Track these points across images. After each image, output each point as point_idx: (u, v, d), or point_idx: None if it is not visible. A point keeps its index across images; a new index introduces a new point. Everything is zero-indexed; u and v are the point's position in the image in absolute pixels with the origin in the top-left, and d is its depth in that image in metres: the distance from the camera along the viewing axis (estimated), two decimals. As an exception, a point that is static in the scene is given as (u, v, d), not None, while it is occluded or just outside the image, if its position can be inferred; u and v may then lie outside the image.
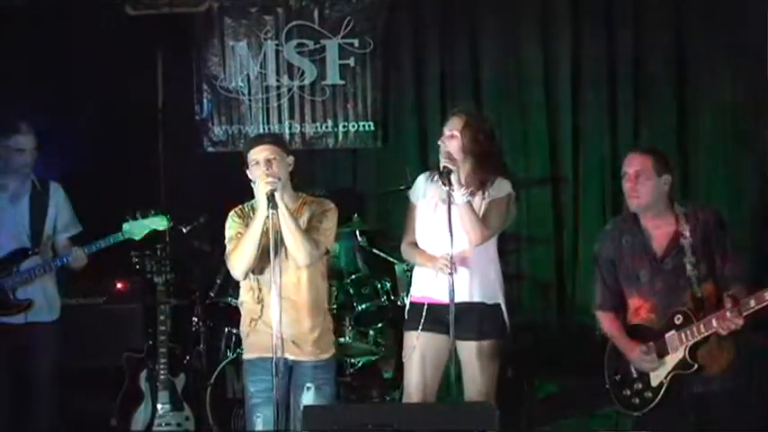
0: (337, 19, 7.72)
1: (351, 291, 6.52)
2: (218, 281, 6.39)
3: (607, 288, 4.73)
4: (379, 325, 6.50)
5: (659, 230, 4.58)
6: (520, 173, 7.22)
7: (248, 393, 4.64)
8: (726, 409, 4.47)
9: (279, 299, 4.26)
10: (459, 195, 4.67)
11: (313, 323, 4.58)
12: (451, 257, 4.57)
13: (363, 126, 7.75)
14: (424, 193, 4.96)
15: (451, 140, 4.80)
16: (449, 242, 4.54)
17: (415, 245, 4.98)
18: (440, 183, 4.77)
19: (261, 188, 4.38)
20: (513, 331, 5.01)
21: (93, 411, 6.24)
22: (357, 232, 6.88)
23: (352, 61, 7.72)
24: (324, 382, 4.58)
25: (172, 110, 7.74)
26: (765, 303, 4.19)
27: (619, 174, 7.18)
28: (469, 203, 4.71)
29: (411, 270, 5.26)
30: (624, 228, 4.68)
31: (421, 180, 5.02)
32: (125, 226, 5.43)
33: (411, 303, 5.02)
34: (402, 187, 6.10)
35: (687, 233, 4.49)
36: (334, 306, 6.41)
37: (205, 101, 7.85)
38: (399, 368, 5.07)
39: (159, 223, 5.50)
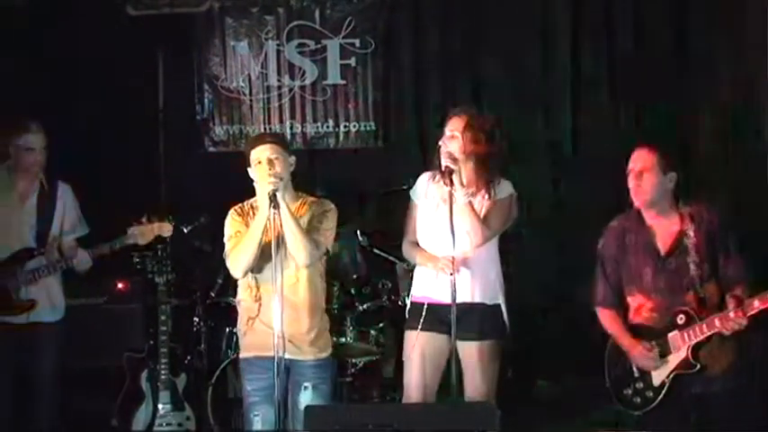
0: (338, 19, 7.73)
1: (352, 291, 6.52)
2: (219, 281, 6.39)
3: (608, 285, 4.72)
4: (381, 325, 6.49)
5: (663, 229, 4.58)
6: (521, 172, 7.22)
7: (245, 392, 4.65)
8: (727, 410, 4.47)
9: (281, 298, 4.27)
10: (461, 195, 4.67)
11: (311, 323, 4.59)
12: (453, 258, 4.56)
13: (364, 126, 7.76)
14: (426, 193, 4.94)
15: (452, 141, 4.79)
16: (450, 242, 4.53)
17: (416, 244, 4.98)
18: (441, 183, 4.76)
19: (263, 188, 4.40)
20: (514, 331, 5.01)
21: (94, 411, 6.24)
22: (358, 232, 6.87)
23: (353, 61, 7.73)
24: (321, 382, 4.59)
25: (173, 110, 7.77)
26: None
27: (619, 173, 7.26)
28: (471, 204, 4.71)
29: (412, 270, 5.25)
30: (628, 225, 4.67)
31: (423, 179, 5.00)
32: (130, 230, 5.44)
33: (411, 303, 5.01)
34: (404, 187, 6.09)
35: (691, 232, 4.48)
36: (335, 306, 6.41)
37: (206, 101, 7.86)
38: (400, 368, 5.06)
39: (165, 229, 5.51)
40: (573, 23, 7.48)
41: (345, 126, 7.77)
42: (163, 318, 5.84)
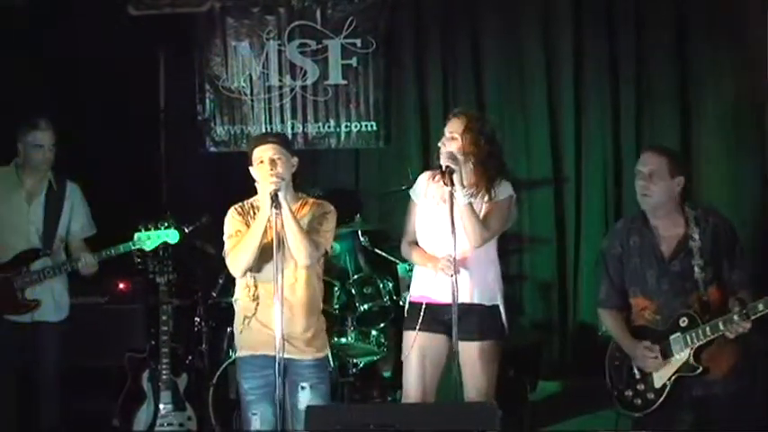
0: (339, 19, 7.72)
1: (353, 291, 6.52)
2: (221, 281, 6.39)
3: (612, 285, 4.72)
4: (382, 325, 6.51)
5: (668, 232, 4.58)
6: (522, 173, 7.23)
7: (242, 391, 4.65)
8: (728, 412, 4.47)
9: (281, 298, 4.27)
10: (462, 196, 4.66)
11: (307, 323, 4.60)
12: (454, 259, 4.56)
13: (366, 126, 7.75)
14: (426, 193, 4.94)
15: (452, 142, 4.79)
16: (451, 243, 4.53)
17: (415, 244, 4.97)
18: (441, 182, 4.76)
19: (264, 187, 4.40)
20: (515, 332, 5.01)
21: (96, 411, 6.23)
22: (359, 232, 6.88)
23: (354, 61, 7.73)
24: (319, 381, 4.60)
25: (174, 110, 7.77)
26: None
27: (621, 174, 7.27)
28: (471, 205, 4.70)
29: (413, 270, 5.26)
30: (633, 227, 4.66)
31: (422, 179, 5.00)
32: (137, 236, 5.44)
33: (410, 303, 5.01)
34: (404, 187, 6.09)
35: (696, 236, 4.48)
36: (336, 306, 6.42)
37: (207, 101, 7.86)
38: (399, 368, 5.06)
39: (172, 236, 5.51)
40: (575, 24, 7.46)
41: (347, 126, 7.76)
42: (164, 318, 5.83)
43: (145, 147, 7.53)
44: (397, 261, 6.59)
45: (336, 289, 6.46)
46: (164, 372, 5.84)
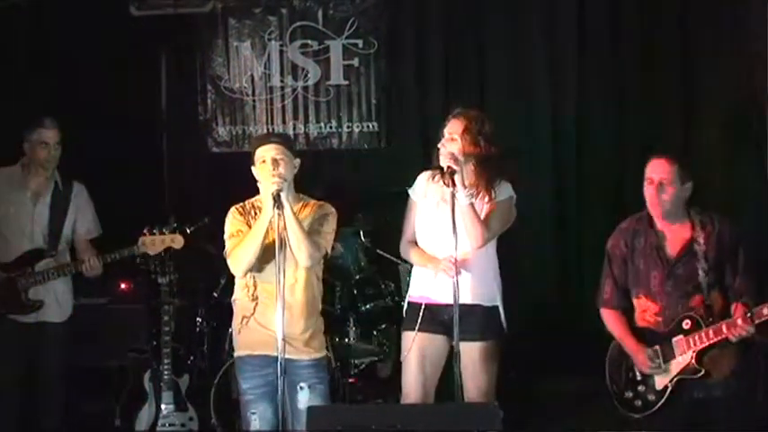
0: (341, 20, 7.74)
1: (355, 291, 6.52)
2: (222, 281, 6.38)
3: (616, 286, 4.72)
4: (383, 326, 6.49)
5: (674, 234, 4.58)
6: (523, 174, 7.21)
7: (241, 390, 4.65)
8: (728, 415, 4.47)
9: (282, 299, 4.25)
10: (463, 197, 4.65)
11: (305, 324, 4.59)
12: (455, 260, 4.54)
13: (367, 126, 7.76)
14: (425, 193, 4.93)
15: (451, 143, 4.76)
16: (453, 244, 4.51)
17: (415, 244, 4.96)
18: (441, 183, 4.76)
19: (267, 187, 4.40)
20: (515, 332, 5.00)
21: (97, 411, 6.25)
22: (361, 233, 6.87)
23: (356, 62, 7.74)
24: (317, 381, 4.59)
25: (176, 110, 7.76)
26: None
27: (624, 173, 7.25)
28: (472, 205, 4.69)
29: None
30: (639, 228, 4.67)
31: (422, 179, 4.98)
32: (142, 240, 5.44)
33: (409, 303, 4.99)
34: (407, 188, 6.08)
35: (701, 240, 4.49)
36: (338, 307, 6.41)
37: (209, 101, 7.87)
38: (399, 369, 5.05)
39: (177, 242, 5.51)
40: (578, 24, 7.46)
41: (348, 127, 7.77)
42: (166, 318, 5.83)
43: (146, 147, 7.52)
44: (400, 261, 6.58)
45: (338, 289, 6.45)
46: (165, 372, 5.84)
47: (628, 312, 4.73)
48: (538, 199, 7.35)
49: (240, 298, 4.65)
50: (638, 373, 4.61)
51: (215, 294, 6.50)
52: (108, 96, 7.29)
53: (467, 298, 4.70)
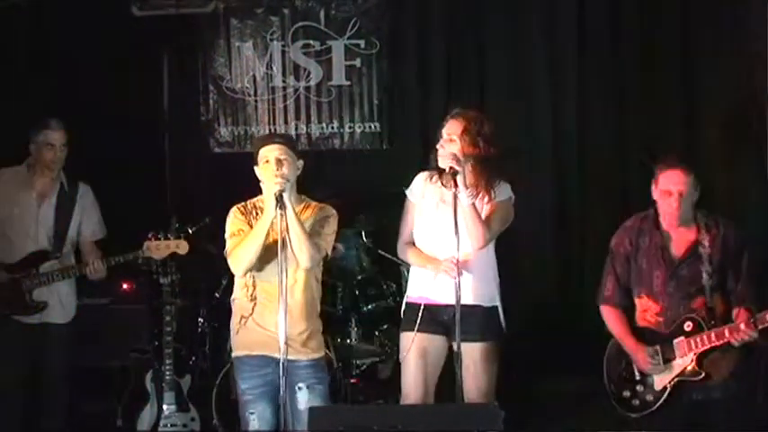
0: (343, 20, 7.74)
1: (356, 292, 6.53)
2: (224, 281, 6.39)
3: (618, 283, 4.74)
4: (385, 326, 6.49)
5: (679, 236, 4.61)
6: (524, 174, 7.23)
7: (239, 391, 4.64)
8: (726, 417, 4.48)
9: (285, 300, 4.26)
10: (465, 197, 4.65)
11: (303, 325, 4.58)
12: (457, 260, 4.54)
13: (369, 127, 7.77)
14: (423, 194, 4.92)
15: (450, 144, 4.76)
16: (454, 244, 4.50)
17: (412, 244, 4.96)
18: (439, 183, 4.77)
19: (269, 187, 4.40)
20: (515, 332, 5.01)
21: (99, 411, 6.26)
22: (363, 233, 6.88)
23: (358, 62, 7.75)
24: (316, 382, 4.59)
25: (178, 111, 7.77)
26: None
27: (625, 171, 7.25)
28: (474, 206, 4.69)
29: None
30: (644, 227, 4.68)
31: (419, 180, 4.97)
32: (147, 245, 5.45)
33: (407, 304, 4.98)
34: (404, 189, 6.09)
35: (706, 243, 4.51)
36: (340, 307, 6.42)
37: (211, 102, 7.88)
38: (400, 369, 5.05)
39: (182, 247, 5.52)
40: (577, 23, 7.47)
41: (350, 127, 7.78)
42: (168, 318, 5.84)
43: (148, 147, 7.53)
44: (401, 262, 6.58)
45: (340, 290, 6.46)
46: (167, 372, 5.85)
47: (628, 311, 4.74)
48: (538, 199, 7.36)
49: (239, 298, 4.66)
50: (636, 373, 4.62)
51: (217, 295, 6.51)
52: (110, 97, 7.28)
53: (468, 299, 4.70)
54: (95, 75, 7.31)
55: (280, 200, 4.31)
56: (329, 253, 4.67)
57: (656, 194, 4.61)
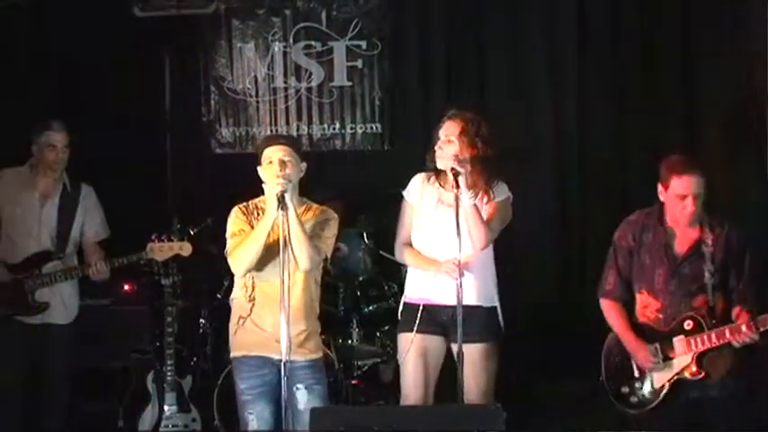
0: (344, 21, 7.74)
1: (358, 293, 6.53)
2: (225, 282, 6.39)
3: (619, 277, 4.73)
4: (387, 327, 6.49)
5: (683, 233, 4.60)
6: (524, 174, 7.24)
7: (238, 390, 4.64)
8: (724, 415, 4.49)
9: (288, 300, 4.26)
10: (467, 198, 4.65)
11: (301, 326, 4.58)
12: (459, 261, 4.53)
13: (371, 128, 7.77)
14: (421, 195, 4.92)
15: (448, 145, 4.75)
16: (455, 245, 4.49)
17: (410, 245, 4.96)
18: (437, 185, 4.78)
19: (272, 188, 4.40)
20: (515, 332, 5.02)
21: (100, 412, 6.27)
22: (364, 234, 6.88)
23: (359, 63, 7.75)
24: (315, 382, 4.59)
25: (179, 111, 7.77)
26: None
27: (625, 171, 7.25)
28: (476, 206, 4.69)
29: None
30: (648, 222, 4.67)
31: (417, 181, 4.96)
32: (150, 246, 5.46)
33: (405, 304, 4.97)
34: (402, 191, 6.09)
35: (709, 241, 4.51)
36: (341, 308, 6.42)
37: (212, 102, 7.89)
38: (398, 370, 5.06)
39: (185, 249, 5.53)
40: (577, 23, 7.47)
41: (352, 128, 7.78)
42: (169, 319, 5.86)
43: (149, 148, 7.54)
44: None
45: (341, 291, 6.47)
46: (169, 373, 5.86)
47: (628, 306, 4.74)
48: (538, 199, 7.34)
49: (238, 297, 4.67)
50: (635, 369, 4.62)
51: (218, 296, 6.51)
52: (111, 97, 7.29)
53: (469, 299, 4.70)
54: (96, 75, 7.32)
55: (281, 200, 4.31)
56: (329, 256, 4.68)
57: (664, 196, 4.59)
